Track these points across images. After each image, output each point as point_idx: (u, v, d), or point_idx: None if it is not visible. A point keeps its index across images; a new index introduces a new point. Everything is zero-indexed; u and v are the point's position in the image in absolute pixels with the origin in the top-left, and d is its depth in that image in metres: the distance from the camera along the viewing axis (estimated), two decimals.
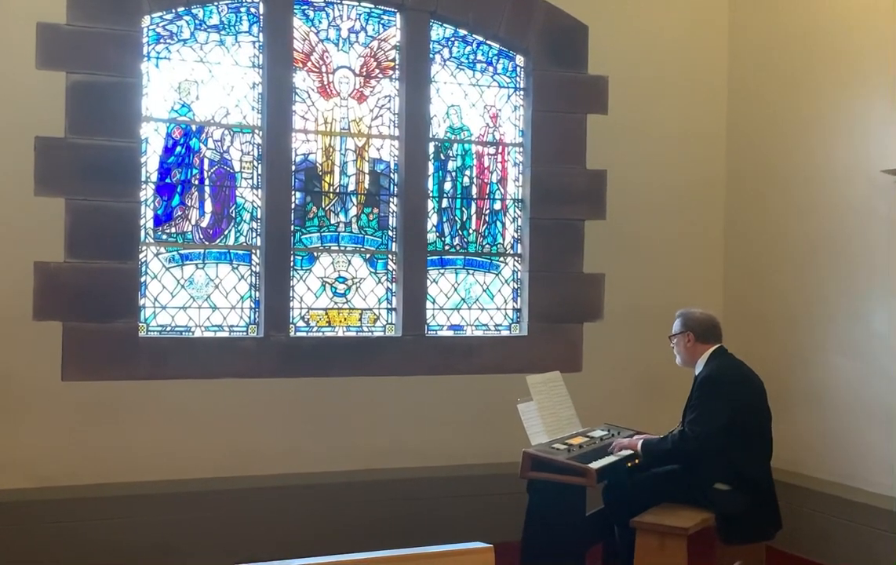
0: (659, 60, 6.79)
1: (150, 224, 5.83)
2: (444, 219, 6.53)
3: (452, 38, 6.52)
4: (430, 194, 6.45)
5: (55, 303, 5.49)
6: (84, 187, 5.53)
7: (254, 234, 6.06)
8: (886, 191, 5.65)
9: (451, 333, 6.50)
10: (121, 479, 5.58)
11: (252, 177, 6.06)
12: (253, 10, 6.04)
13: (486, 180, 6.64)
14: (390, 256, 6.38)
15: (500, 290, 6.66)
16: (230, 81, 6.01)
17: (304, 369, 6.01)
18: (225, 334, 5.98)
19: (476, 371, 6.38)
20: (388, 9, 6.35)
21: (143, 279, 5.78)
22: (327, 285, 6.25)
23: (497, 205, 6.66)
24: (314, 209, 6.22)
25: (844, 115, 6.01)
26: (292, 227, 6.11)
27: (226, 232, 6.02)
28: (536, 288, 6.58)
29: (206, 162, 5.99)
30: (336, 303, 6.26)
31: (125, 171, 5.65)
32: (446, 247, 6.52)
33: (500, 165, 6.67)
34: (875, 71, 5.76)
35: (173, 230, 5.90)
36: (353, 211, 6.32)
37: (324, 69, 6.23)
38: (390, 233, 6.38)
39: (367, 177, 6.35)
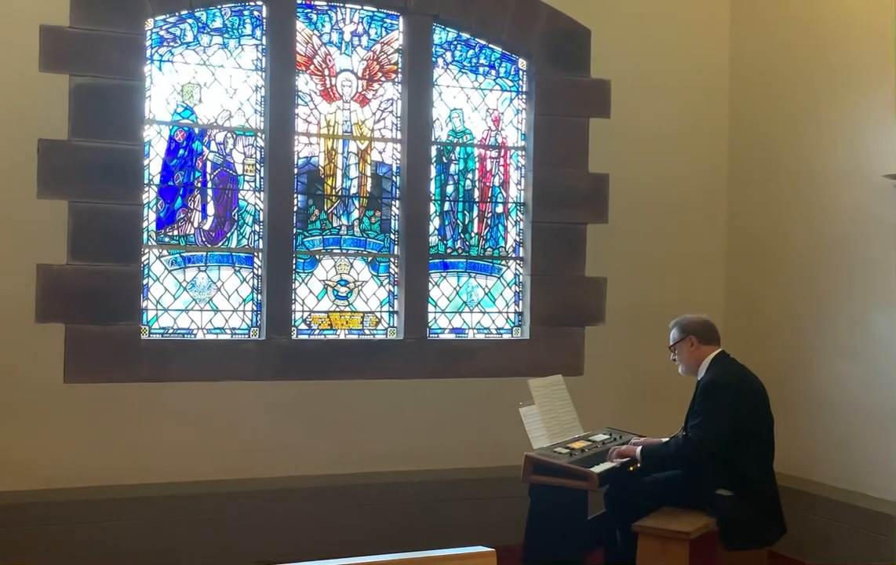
0: (661, 64, 6.80)
1: (153, 226, 5.84)
2: (447, 223, 6.53)
3: (455, 42, 6.52)
4: (433, 197, 6.45)
5: (58, 306, 5.49)
6: (87, 189, 5.54)
7: (256, 237, 6.06)
8: (889, 195, 5.64)
9: (452, 336, 6.50)
10: (123, 482, 5.58)
11: (254, 180, 6.07)
12: (256, 13, 6.05)
13: (488, 184, 6.64)
14: (392, 259, 6.38)
15: (501, 294, 6.66)
16: (233, 84, 6.01)
17: (305, 372, 6.01)
18: (227, 337, 5.98)
19: (477, 374, 6.38)
20: (390, 12, 6.35)
21: (145, 281, 5.78)
22: (329, 288, 6.25)
23: (499, 209, 6.66)
24: (316, 212, 6.23)
25: (847, 119, 6.00)
26: (294, 230, 6.11)
27: (228, 235, 6.02)
28: (538, 291, 6.58)
29: (208, 165, 5.99)
30: (338, 305, 6.26)
31: (128, 174, 5.66)
32: (448, 251, 6.52)
33: (502, 169, 6.67)
34: (878, 75, 5.76)
35: (176, 233, 5.91)
36: (356, 214, 6.32)
37: (326, 72, 6.24)
38: (392, 236, 6.39)
39: (369, 180, 6.35)
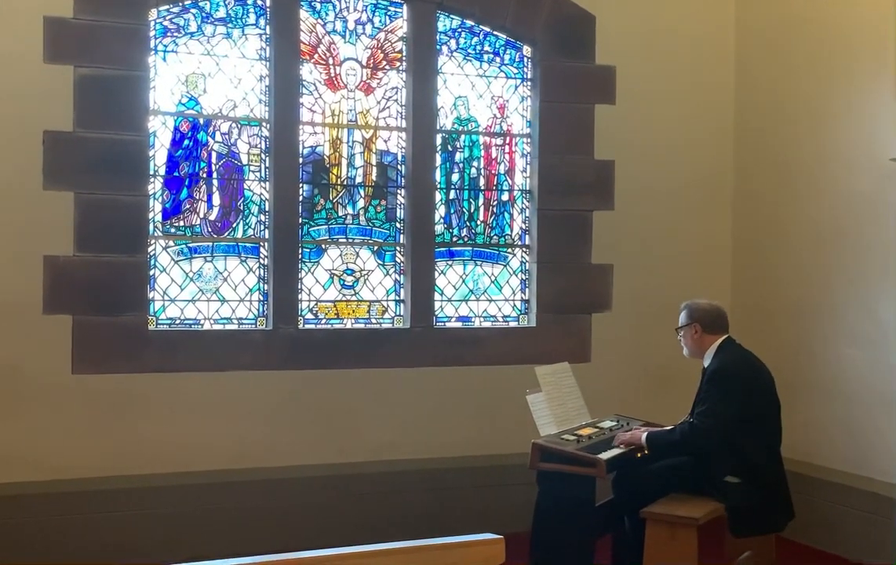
0: (666, 50, 6.77)
1: (159, 217, 5.84)
2: (452, 211, 6.52)
3: (459, 29, 6.50)
4: (438, 186, 6.45)
5: (65, 297, 5.50)
6: (92, 181, 5.54)
7: (262, 227, 6.06)
8: (895, 179, 5.62)
9: (459, 325, 6.50)
10: (130, 472, 5.60)
11: (260, 170, 6.06)
12: (259, 2, 6.04)
13: (493, 171, 6.63)
14: (398, 248, 6.38)
15: (508, 281, 6.65)
16: (237, 74, 6.00)
17: (312, 361, 6.01)
18: (234, 327, 5.99)
19: (484, 362, 6.38)
20: (394, 0, 6.33)
21: (151, 272, 5.79)
22: (335, 277, 6.25)
23: (505, 197, 6.65)
24: (322, 201, 6.22)
25: (852, 103, 5.98)
26: (300, 220, 6.11)
27: (234, 225, 6.02)
28: (544, 279, 6.57)
29: (213, 155, 5.99)
30: (344, 295, 6.27)
31: (133, 165, 5.66)
32: (454, 239, 6.52)
33: (507, 156, 6.66)
34: (883, 59, 5.73)
35: (182, 223, 5.91)
36: (361, 203, 6.32)
37: (331, 61, 6.23)
38: (398, 225, 6.38)
39: (374, 169, 6.35)
